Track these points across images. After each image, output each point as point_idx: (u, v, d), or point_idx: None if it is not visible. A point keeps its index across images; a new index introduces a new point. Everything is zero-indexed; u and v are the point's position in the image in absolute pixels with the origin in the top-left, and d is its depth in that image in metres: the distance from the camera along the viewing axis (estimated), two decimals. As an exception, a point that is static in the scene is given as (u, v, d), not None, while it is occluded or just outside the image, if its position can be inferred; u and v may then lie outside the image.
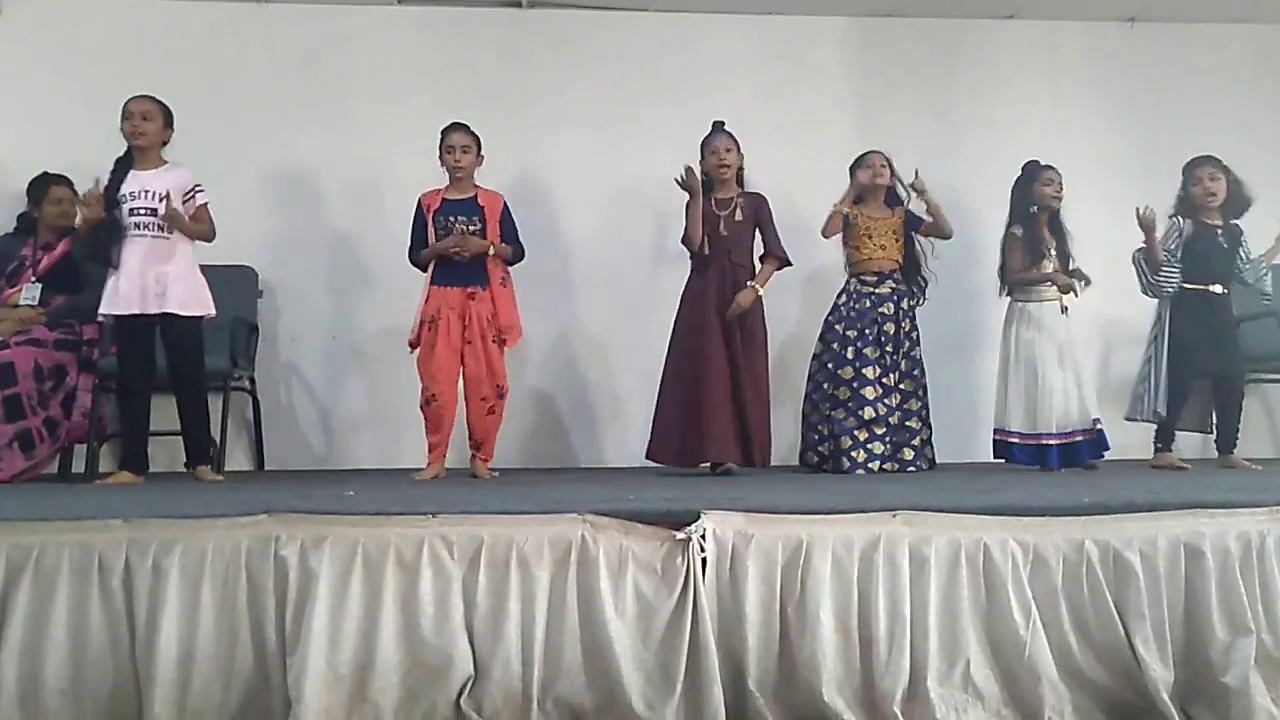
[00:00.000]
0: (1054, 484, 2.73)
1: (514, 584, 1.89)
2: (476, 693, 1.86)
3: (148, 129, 3.16)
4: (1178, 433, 3.69)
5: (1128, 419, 3.80)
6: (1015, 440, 3.64)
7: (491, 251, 3.41)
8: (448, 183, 3.51)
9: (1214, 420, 3.70)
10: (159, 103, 3.21)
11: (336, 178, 4.31)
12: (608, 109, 4.07)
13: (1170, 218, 3.63)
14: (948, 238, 3.74)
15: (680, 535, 1.92)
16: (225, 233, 3.34)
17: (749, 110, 4.43)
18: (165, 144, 3.25)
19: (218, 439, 3.62)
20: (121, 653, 1.83)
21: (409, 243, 3.52)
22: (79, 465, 3.60)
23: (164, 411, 3.31)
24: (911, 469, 3.61)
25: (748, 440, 3.39)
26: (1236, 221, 3.61)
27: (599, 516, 1.95)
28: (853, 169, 3.82)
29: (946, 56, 4.63)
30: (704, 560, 1.91)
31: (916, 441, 3.65)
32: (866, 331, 3.64)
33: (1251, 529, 2.05)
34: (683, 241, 3.54)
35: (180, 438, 3.27)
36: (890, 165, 3.76)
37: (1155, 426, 3.69)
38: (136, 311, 3.10)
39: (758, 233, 3.56)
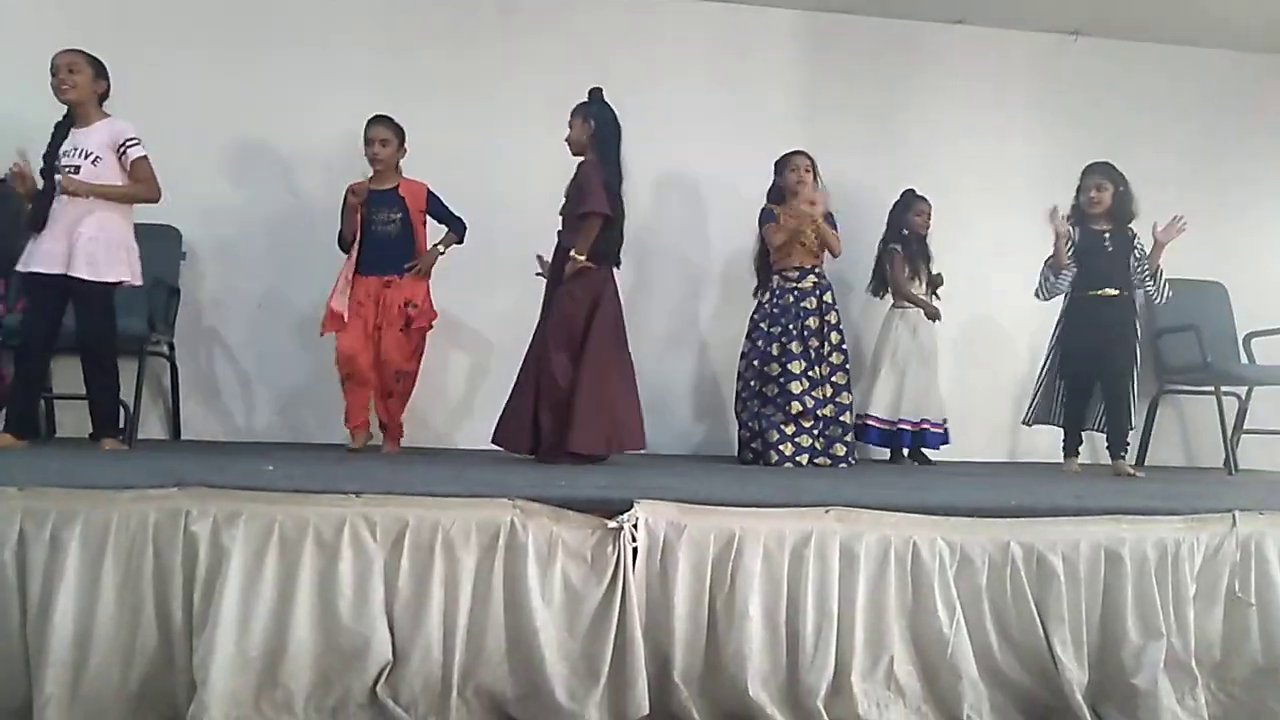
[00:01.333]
0: (983, 485, 2.77)
1: (438, 568, 1.84)
2: (394, 679, 1.81)
3: (76, 81, 3.01)
4: (1089, 434, 3.85)
5: (1024, 423, 4.00)
6: (874, 424, 4.12)
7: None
8: (370, 174, 3.57)
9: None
10: (86, 55, 3.05)
11: (269, 140, 4.14)
12: (553, 92, 3.98)
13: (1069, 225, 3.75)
14: (836, 255, 3.80)
15: (612, 524, 1.89)
16: (148, 189, 3.19)
17: (695, 98, 4.42)
18: (103, 97, 3.10)
19: (131, 406, 3.46)
20: (11, 630, 1.73)
21: (341, 233, 3.56)
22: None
23: (73, 374, 3.14)
24: (843, 465, 3.63)
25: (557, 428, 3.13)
26: (1129, 227, 3.68)
27: (529, 502, 1.90)
28: (778, 167, 3.80)
29: (895, 56, 4.66)
30: (635, 550, 1.88)
31: (849, 437, 3.68)
32: (790, 327, 3.64)
33: (1168, 536, 2.10)
34: None
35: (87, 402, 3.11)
36: (814, 166, 3.76)
37: (1062, 432, 3.84)
38: (48, 270, 2.94)
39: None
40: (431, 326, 3.63)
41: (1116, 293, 3.66)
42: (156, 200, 3.12)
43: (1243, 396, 4.36)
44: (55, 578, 1.72)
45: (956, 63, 4.69)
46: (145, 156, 3.07)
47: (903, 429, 4.12)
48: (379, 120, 3.54)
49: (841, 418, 3.66)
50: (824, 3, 4.55)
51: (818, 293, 3.70)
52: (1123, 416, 3.64)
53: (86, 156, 3.00)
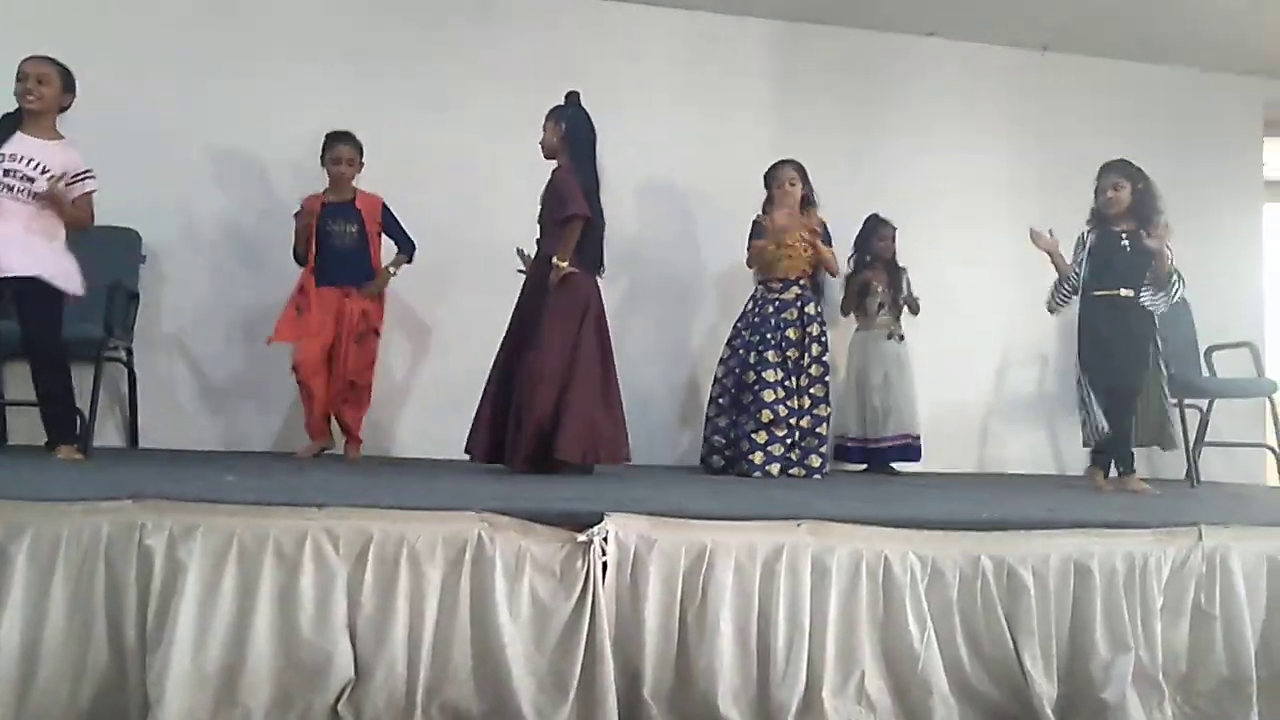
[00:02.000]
0: (954, 498, 2.77)
1: (403, 582, 1.79)
2: (356, 696, 1.76)
3: (43, 93, 2.93)
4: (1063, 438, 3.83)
5: (1085, 446, 3.67)
6: (851, 444, 4.24)
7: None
8: (327, 186, 3.63)
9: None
10: (59, 65, 2.97)
11: (232, 142, 4.06)
12: (526, 101, 3.97)
13: (1085, 228, 3.56)
14: (833, 275, 3.94)
15: (582, 537, 1.86)
16: (108, 191, 3.11)
17: (668, 107, 4.42)
18: (64, 109, 3.02)
19: (88, 413, 3.36)
20: (-46, 647, 1.65)
21: (296, 248, 3.61)
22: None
23: (22, 381, 3.05)
24: (817, 476, 3.62)
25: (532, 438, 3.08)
26: (1152, 226, 3.43)
27: (497, 515, 1.86)
28: (767, 180, 3.81)
29: (866, 68, 4.69)
30: (605, 564, 1.85)
31: (824, 448, 3.67)
32: (769, 336, 3.64)
33: (1136, 549, 2.11)
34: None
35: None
36: (803, 174, 3.76)
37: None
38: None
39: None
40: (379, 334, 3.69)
41: (1130, 294, 3.41)
42: (87, 228, 3.04)
43: (1204, 409, 4.42)
44: (1, 593, 1.65)
45: (927, 75, 4.74)
46: (94, 191, 3.00)
47: (874, 446, 4.19)
48: (345, 138, 3.61)
49: (818, 429, 3.66)
50: (797, 13, 4.58)
51: (800, 304, 3.70)
52: (1127, 426, 3.41)
53: (44, 173, 2.90)
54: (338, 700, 1.74)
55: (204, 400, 4.05)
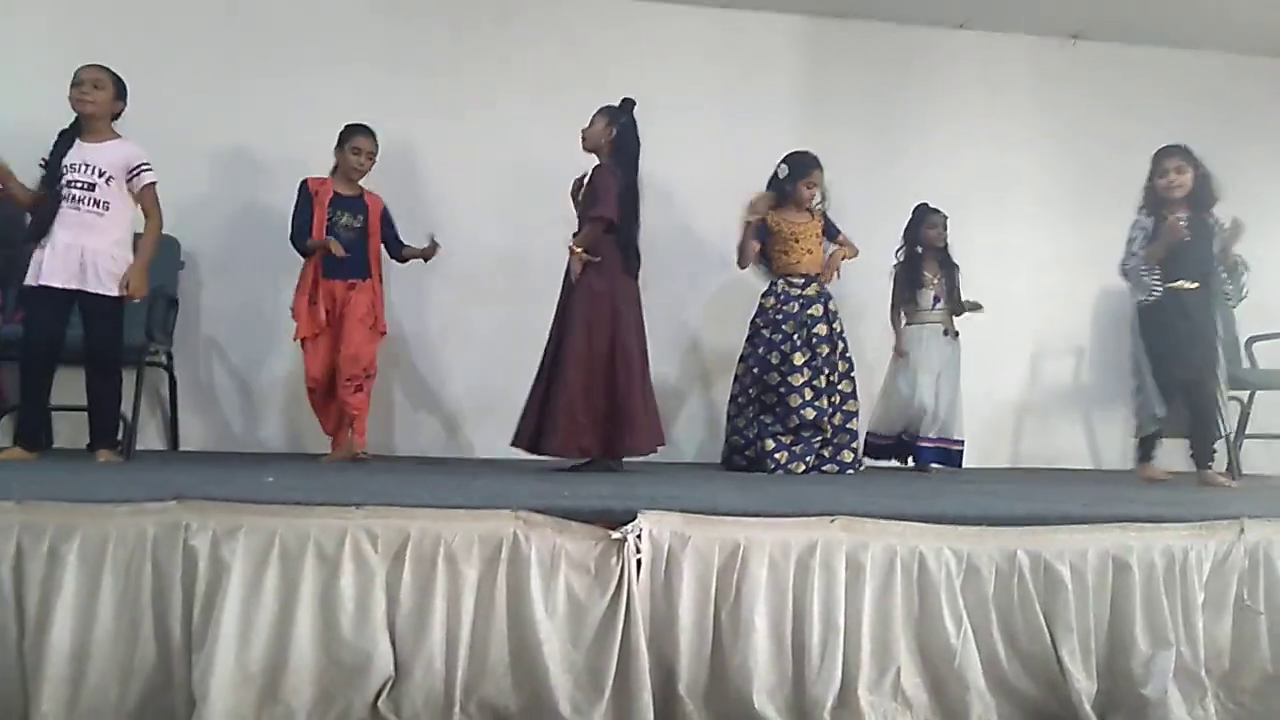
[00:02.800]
0: (989, 493, 2.75)
1: (440, 581, 1.81)
2: (396, 694, 1.78)
3: (97, 97, 3.03)
4: (1166, 441, 3.49)
5: (1135, 437, 3.63)
6: (884, 441, 4.05)
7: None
8: (334, 173, 3.58)
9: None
10: (111, 73, 3.08)
11: (266, 148, 4.13)
12: (550, 101, 4.01)
13: (1138, 213, 3.44)
14: (854, 255, 3.84)
15: (616, 535, 1.87)
16: (146, 199, 3.18)
17: (695, 105, 4.41)
18: (116, 116, 3.12)
19: (130, 417, 3.43)
20: (8, 645, 1.70)
21: (291, 227, 3.53)
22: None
23: (73, 386, 3.12)
24: (850, 471, 3.61)
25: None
26: (1209, 213, 3.37)
27: (532, 513, 1.88)
28: (794, 175, 3.76)
29: (896, 62, 4.66)
30: (639, 561, 1.86)
31: (856, 444, 3.66)
32: (795, 336, 3.61)
33: (1176, 544, 2.08)
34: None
35: (86, 414, 3.09)
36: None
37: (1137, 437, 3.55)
38: (62, 286, 2.96)
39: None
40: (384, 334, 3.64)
41: (1194, 285, 3.30)
42: (158, 229, 3.19)
43: (1245, 401, 4.34)
44: (53, 593, 1.70)
45: (957, 67, 4.69)
46: (155, 183, 3.10)
47: (919, 445, 4.00)
48: (365, 131, 3.57)
49: (848, 425, 3.64)
50: (825, 8, 4.56)
51: (823, 300, 3.68)
52: (1210, 423, 3.32)
53: (100, 175, 3.01)
54: (377, 698, 1.76)
55: (242, 403, 4.12)
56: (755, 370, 3.65)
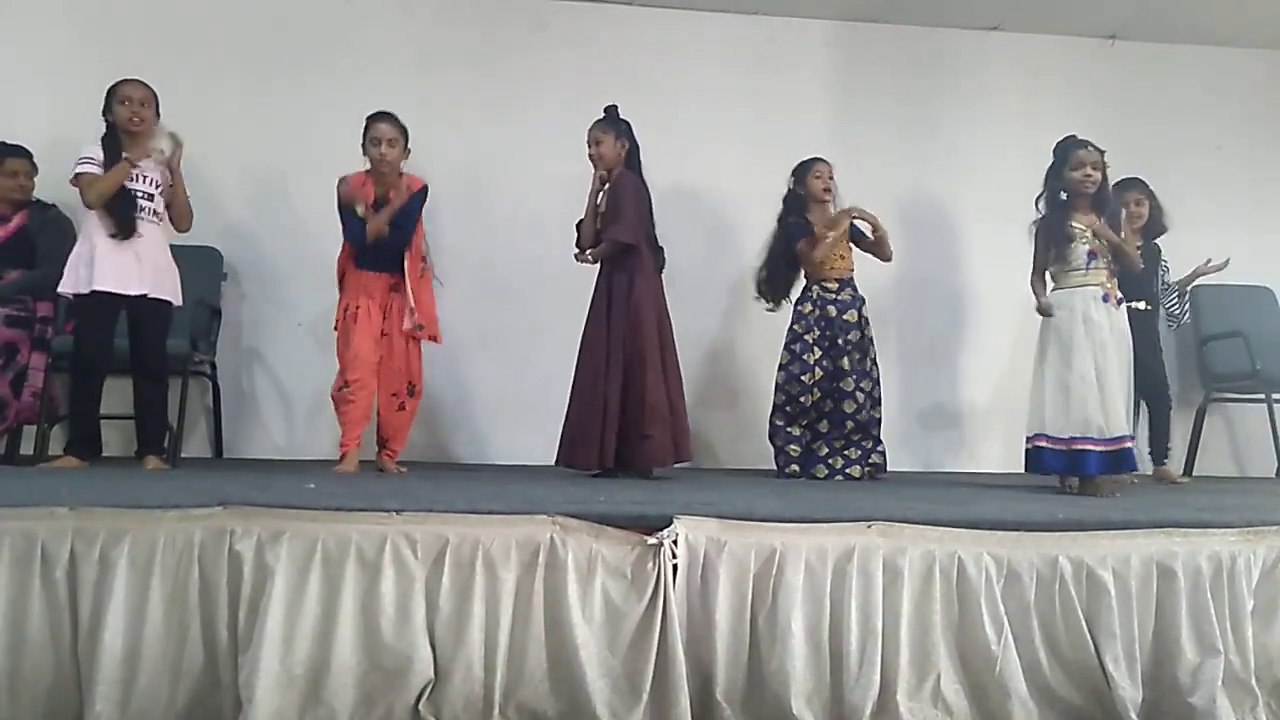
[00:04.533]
0: (1028, 498, 2.72)
1: (479, 586, 1.83)
2: (436, 697, 1.80)
3: (145, 115, 3.13)
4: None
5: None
6: (1046, 445, 2.99)
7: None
8: (369, 169, 3.36)
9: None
10: (153, 91, 3.17)
11: (306, 159, 4.19)
12: (582, 107, 4.02)
13: None
14: (888, 259, 3.73)
15: (652, 540, 1.88)
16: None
17: (725, 109, 4.42)
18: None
19: (175, 425, 3.51)
20: (63, 647, 1.75)
21: (344, 226, 3.36)
22: (27, 447, 3.47)
23: (120, 395, 3.20)
24: (882, 475, 3.59)
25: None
26: (1156, 241, 3.82)
27: (569, 519, 1.89)
28: (798, 175, 3.74)
29: (928, 66, 4.63)
30: (675, 566, 1.87)
31: (882, 447, 3.63)
32: (839, 340, 3.59)
33: (1223, 550, 2.04)
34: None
35: (133, 422, 3.16)
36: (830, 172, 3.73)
37: None
38: (122, 291, 3.04)
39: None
40: (436, 339, 3.48)
41: (1145, 307, 3.71)
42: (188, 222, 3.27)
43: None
44: (105, 597, 1.74)
45: (991, 70, 4.65)
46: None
47: (1083, 449, 2.90)
48: (384, 117, 3.32)
49: (874, 431, 3.62)
50: (855, 13, 4.54)
51: (857, 305, 3.66)
52: (1165, 427, 3.84)
53: (156, 187, 3.16)
54: (418, 701, 1.79)
55: (284, 411, 4.20)
56: (803, 378, 3.61)
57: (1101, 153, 3.14)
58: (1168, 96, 4.66)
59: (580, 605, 1.84)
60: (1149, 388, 3.67)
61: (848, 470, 3.51)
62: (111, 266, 3.04)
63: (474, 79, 4.33)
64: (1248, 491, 3.38)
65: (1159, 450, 3.86)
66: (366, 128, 3.35)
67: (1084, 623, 1.97)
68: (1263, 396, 4.01)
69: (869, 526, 1.97)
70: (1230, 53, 4.72)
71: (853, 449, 3.55)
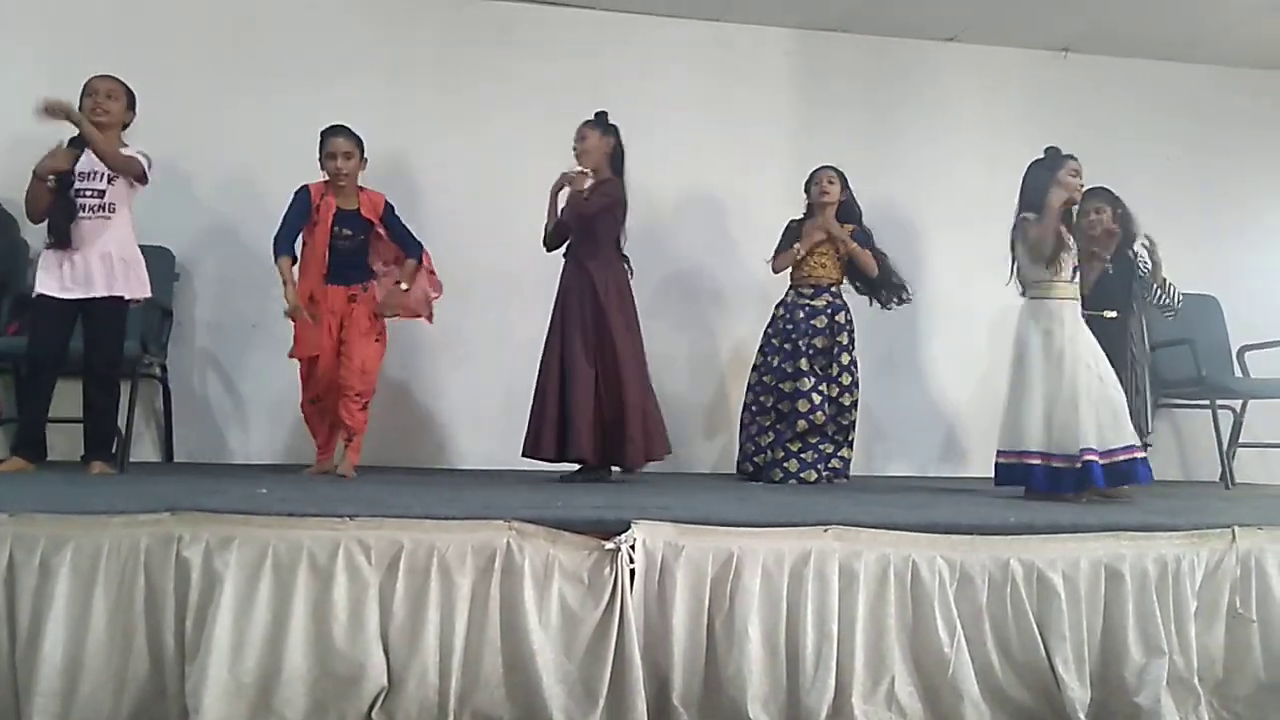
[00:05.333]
0: (981, 503, 2.76)
1: (434, 592, 1.82)
2: (389, 705, 1.78)
3: (111, 108, 3.05)
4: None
5: None
6: (1037, 462, 2.91)
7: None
8: (329, 185, 3.41)
9: None
10: (124, 84, 3.10)
11: (262, 161, 4.13)
12: (550, 115, 4.01)
13: None
14: (873, 275, 3.73)
15: (609, 545, 1.87)
16: (141, 212, 3.20)
17: (688, 115, 4.43)
18: (126, 126, 3.14)
19: (124, 429, 3.42)
20: (0, 658, 1.70)
21: (281, 227, 3.37)
22: (-31, 451, 3.37)
23: (65, 397, 3.12)
24: (841, 480, 3.62)
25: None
26: (1130, 250, 3.64)
27: (525, 524, 1.88)
28: (807, 186, 3.79)
29: (888, 75, 4.68)
30: (632, 571, 1.87)
31: (845, 453, 3.67)
32: (801, 344, 3.63)
33: (1168, 552, 2.09)
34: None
35: (80, 426, 3.08)
36: (842, 180, 3.75)
37: None
38: (69, 296, 2.97)
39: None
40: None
41: (1115, 315, 3.61)
42: (139, 176, 3.11)
43: (1238, 410, 4.35)
44: (45, 605, 1.70)
45: (948, 80, 4.72)
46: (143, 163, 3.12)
47: (1087, 460, 2.81)
48: (339, 130, 3.37)
49: (836, 436, 3.65)
50: (816, 21, 4.58)
51: (830, 312, 3.68)
52: None
53: (109, 180, 3.05)
54: (371, 708, 1.77)
55: (235, 414, 4.12)
56: (766, 379, 3.68)
57: (1078, 165, 3.17)
58: (1119, 108, 4.76)
59: (537, 610, 1.83)
60: None
61: (802, 474, 3.53)
62: (53, 272, 2.96)
63: (440, 86, 4.28)
64: (1193, 496, 3.47)
65: None
66: (322, 142, 3.39)
67: (1035, 625, 2.00)
68: (1208, 403, 4.11)
69: (825, 530, 1.98)
70: (1178, 67, 4.84)
71: (809, 452, 3.57)
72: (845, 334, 3.69)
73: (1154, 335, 4.28)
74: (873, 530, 2.00)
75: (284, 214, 3.40)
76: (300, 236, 3.41)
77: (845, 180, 3.76)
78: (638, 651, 1.83)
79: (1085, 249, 3.34)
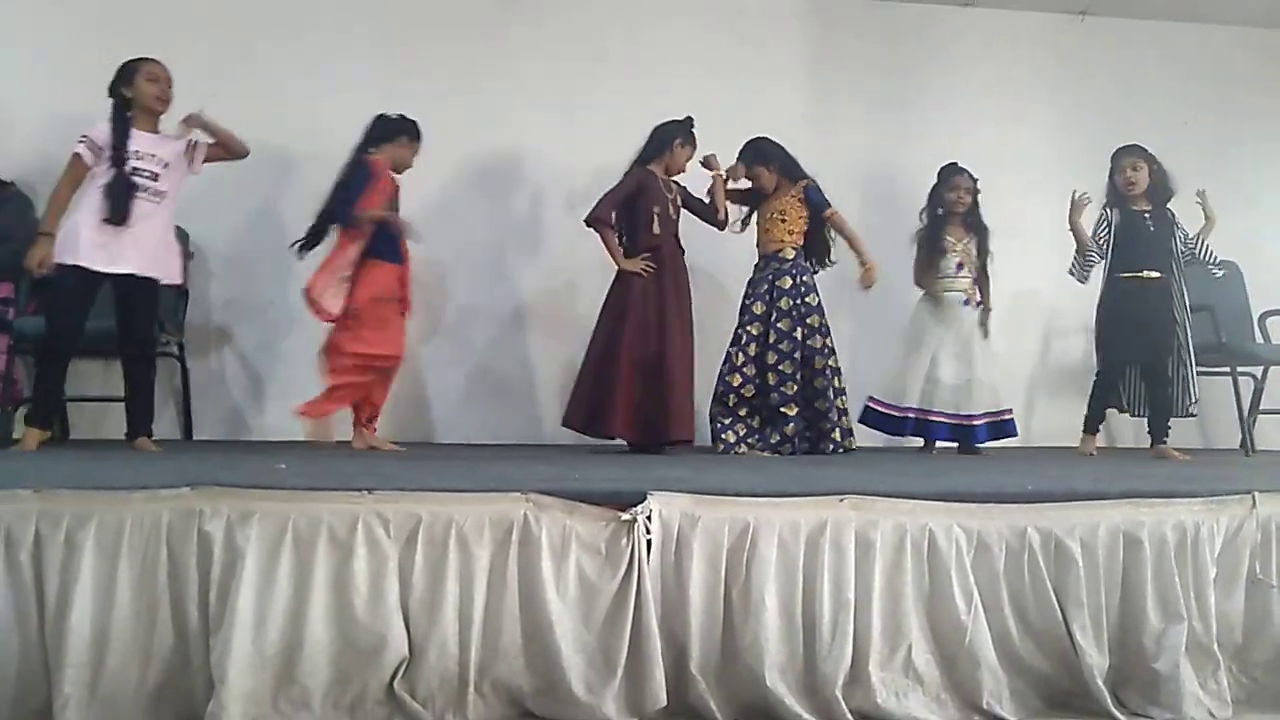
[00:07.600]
0: (998, 470, 2.75)
1: (452, 564, 1.83)
2: (411, 675, 1.80)
3: (170, 97, 3.12)
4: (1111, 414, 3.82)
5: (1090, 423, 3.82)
6: (887, 410, 3.86)
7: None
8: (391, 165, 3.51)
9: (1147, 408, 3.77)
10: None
11: (274, 139, 4.11)
12: (554, 81, 3.99)
13: (1102, 209, 3.69)
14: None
15: (625, 516, 1.88)
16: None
17: (702, 92, 4.37)
18: None
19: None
20: (29, 631, 1.73)
21: (349, 199, 3.39)
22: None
23: (89, 377, 3.15)
24: (841, 450, 3.56)
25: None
26: (1168, 207, 3.65)
27: (542, 495, 1.89)
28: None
29: (901, 39, 4.62)
30: (649, 542, 1.87)
31: (825, 425, 3.57)
32: (760, 311, 3.60)
33: (1187, 519, 2.08)
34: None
35: (105, 403, 3.12)
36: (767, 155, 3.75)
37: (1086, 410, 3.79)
38: (114, 270, 2.97)
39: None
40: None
41: (1158, 275, 3.57)
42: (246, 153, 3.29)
43: (1258, 376, 4.31)
44: (71, 579, 1.72)
45: (964, 45, 4.65)
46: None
47: (934, 420, 3.86)
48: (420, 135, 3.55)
49: (816, 403, 3.58)
50: (828, -15, 4.52)
51: (794, 273, 3.63)
52: (1164, 403, 3.64)
53: (164, 166, 3.08)
54: (393, 679, 1.78)
55: (253, 391, 4.15)
56: (732, 351, 3.66)
57: (974, 180, 3.81)
58: (1136, 72, 4.69)
59: (554, 581, 1.84)
60: (1143, 360, 3.67)
61: (736, 448, 3.51)
62: (100, 243, 2.94)
63: (445, 56, 4.26)
64: (1213, 462, 3.45)
65: (1156, 427, 3.67)
66: (417, 135, 3.51)
67: (1052, 592, 2.00)
68: (1228, 369, 4.07)
69: (841, 500, 1.98)
70: (1197, 29, 4.75)
71: (741, 425, 3.56)
72: (803, 298, 3.63)
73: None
74: (889, 499, 2.00)
75: (349, 185, 3.42)
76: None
77: (767, 153, 3.74)
78: (655, 621, 1.84)
79: (1124, 206, 3.57)
